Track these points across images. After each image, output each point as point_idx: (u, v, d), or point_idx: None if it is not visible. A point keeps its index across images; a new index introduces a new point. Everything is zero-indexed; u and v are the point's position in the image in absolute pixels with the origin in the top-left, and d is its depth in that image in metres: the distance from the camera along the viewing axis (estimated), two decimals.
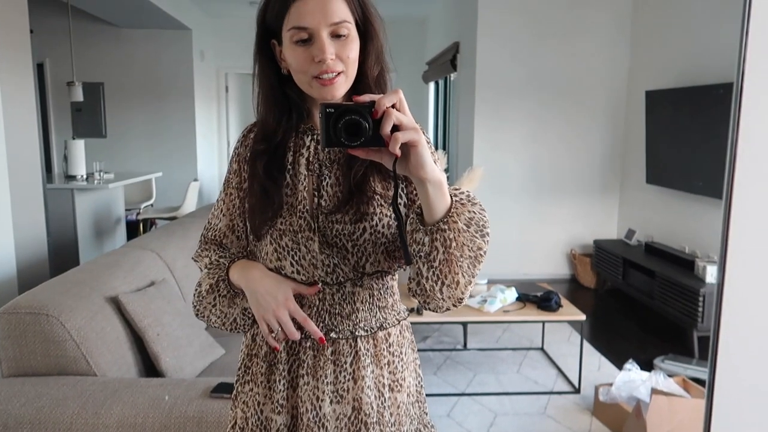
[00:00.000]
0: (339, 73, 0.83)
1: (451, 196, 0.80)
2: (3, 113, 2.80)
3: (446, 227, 0.79)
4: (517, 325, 3.40)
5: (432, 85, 6.47)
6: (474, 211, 0.81)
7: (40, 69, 5.70)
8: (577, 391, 2.61)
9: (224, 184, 0.97)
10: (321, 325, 0.91)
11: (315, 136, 0.90)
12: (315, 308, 0.91)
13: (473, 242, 0.81)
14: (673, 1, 3.81)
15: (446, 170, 3.79)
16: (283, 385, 0.93)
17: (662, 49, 3.94)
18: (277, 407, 0.93)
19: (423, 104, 6.67)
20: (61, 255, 3.84)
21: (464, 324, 3.16)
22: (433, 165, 0.77)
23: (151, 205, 5.54)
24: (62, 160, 4.60)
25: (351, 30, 0.84)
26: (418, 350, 1.05)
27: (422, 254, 0.81)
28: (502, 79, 4.41)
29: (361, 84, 0.88)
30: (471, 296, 2.75)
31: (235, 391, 0.99)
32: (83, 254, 4.09)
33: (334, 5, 0.82)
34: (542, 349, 3.12)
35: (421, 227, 0.81)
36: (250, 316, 0.95)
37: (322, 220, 0.89)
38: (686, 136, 3.47)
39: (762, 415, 1.24)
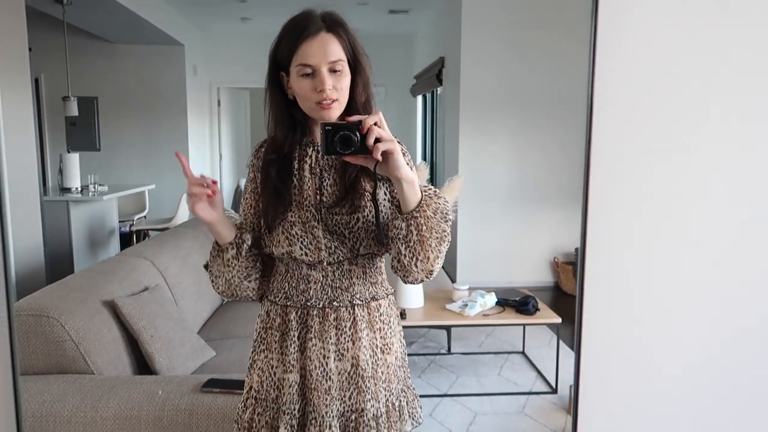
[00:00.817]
0: (335, 100, 1.07)
1: (421, 191, 1.05)
2: (3, 128, 2.91)
3: (418, 215, 1.04)
4: (499, 330, 3.51)
5: (420, 98, 6.63)
6: (439, 203, 1.07)
7: (35, 84, 5.80)
8: (554, 391, 2.73)
9: (243, 191, 1.21)
10: (325, 296, 1.14)
11: (316, 147, 1.15)
12: (320, 283, 1.14)
13: (439, 226, 1.06)
14: None
15: (429, 179, 3.92)
16: (294, 348, 1.14)
17: None
18: (289, 367, 1.14)
19: (411, 117, 6.82)
20: (57, 265, 3.93)
21: (448, 329, 3.27)
22: (406, 167, 1.02)
23: (144, 216, 5.64)
24: (57, 173, 4.70)
25: (344, 66, 1.08)
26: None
27: (400, 236, 1.06)
28: (485, 93, 4.56)
29: (352, 108, 1.12)
30: (453, 301, 2.86)
31: (251, 361, 1.20)
32: (78, 264, 4.18)
33: (332, 47, 1.07)
34: (523, 352, 3.24)
35: (399, 215, 1.06)
36: (272, 299, 1.17)
37: (324, 213, 1.12)
38: None
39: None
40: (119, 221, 5.10)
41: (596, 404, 1.54)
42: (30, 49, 3.16)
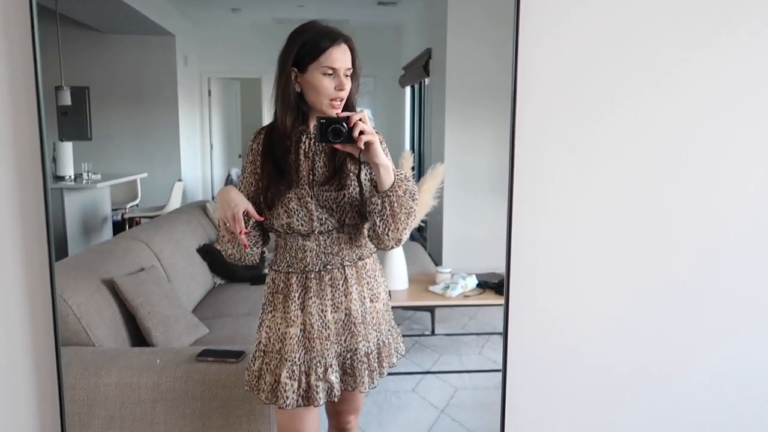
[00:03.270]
0: (343, 99, 1.35)
1: (394, 175, 1.32)
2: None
3: (391, 194, 1.31)
4: (482, 312, 3.65)
5: (408, 89, 6.71)
6: (408, 185, 1.35)
7: None
8: None
9: (242, 172, 1.42)
10: (319, 261, 1.38)
11: (308, 135, 1.38)
12: (314, 251, 1.37)
13: (408, 203, 1.34)
14: None
15: (413, 168, 4.03)
16: (295, 306, 1.39)
17: None
18: (290, 322, 1.36)
19: (400, 107, 6.89)
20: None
21: (432, 311, 3.40)
22: (383, 155, 1.30)
23: (137, 204, 5.71)
24: (51, 161, 4.76)
25: (350, 73, 1.35)
26: None
27: (376, 211, 1.33)
28: (470, 85, 4.66)
29: (348, 102, 1.38)
30: (435, 284, 2.99)
31: (260, 321, 1.43)
32: (72, 251, 4.25)
33: (349, 56, 1.35)
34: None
35: (376, 194, 1.32)
36: (275, 268, 1.42)
37: (316, 190, 1.37)
38: None
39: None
40: (112, 209, 5.17)
41: (523, 384, 1.73)
42: None
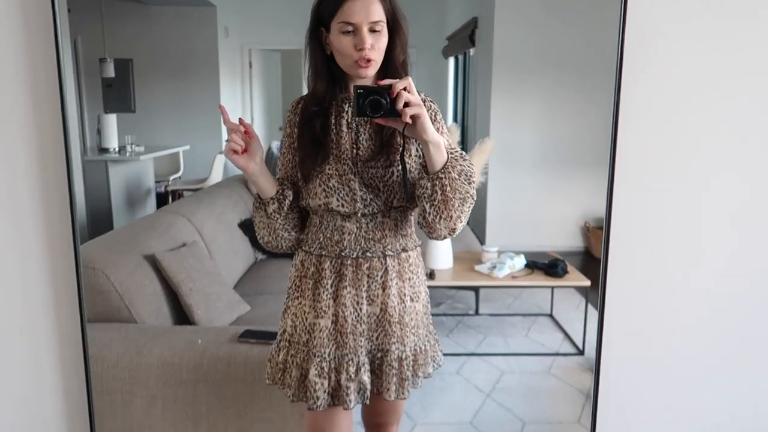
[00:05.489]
0: (372, 60, 1.12)
1: (447, 153, 1.10)
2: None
3: (443, 176, 1.10)
4: (527, 292, 3.53)
5: (452, 60, 6.52)
6: (464, 165, 1.13)
7: (74, 46, 5.90)
8: (581, 353, 2.75)
9: (281, 146, 1.28)
10: (358, 247, 1.21)
11: (351, 103, 1.17)
12: (354, 234, 1.19)
13: (463, 187, 1.12)
14: None
15: (459, 142, 3.91)
16: (327, 296, 1.21)
17: None
18: (320, 313, 1.21)
19: (442, 79, 6.72)
20: (97, 223, 4.07)
21: (476, 290, 3.30)
22: (433, 130, 1.07)
23: (179, 177, 5.76)
24: (96, 133, 4.82)
25: (383, 27, 1.13)
26: (432, 315, 1.36)
27: (426, 195, 1.12)
28: (519, 54, 4.47)
29: (390, 67, 1.17)
30: (481, 263, 2.89)
31: (285, 306, 1.28)
32: (117, 222, 4.31)
33: (375, 7, 1.11)
34: (551, 315, 3.26)
35: (425, 176, 1.12)
36: (306, 249, 1.25)
37: (360, 166, 1.19)
38: None
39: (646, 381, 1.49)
40: (155, 181, 5.21)
41: (618, 365, 1.58)
42: (70, 11, 3.21)
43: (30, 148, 1.36)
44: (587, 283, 2.74)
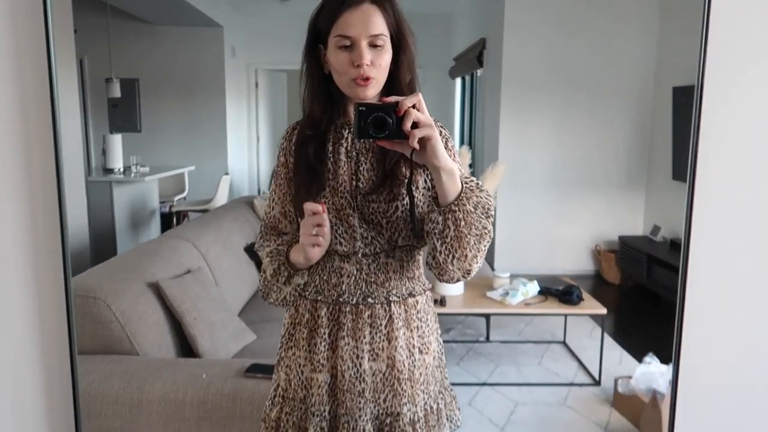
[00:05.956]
0: (371, 78, 0.98)
1: (462, 183, 0.96)
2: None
3: (456, 209, 0.95)
4: (539, 318, 3.45)
5: (458, 80, 6.51)
6: (481, 196, 0.98)
7: (80, 65, 5.91)
8: (597, 383, 2.66)
9: (273, 177, 1.13)
10: (359, 291, 1.04)
11: (351, 129, 1.05)
12: (353, 277, 1.05)
13: (479, 222, 0.97)
14: None
15: (470, 165, 3.85)
16: (324, 347, 1.06)
17: (691, 45, 3.92)
18: (317, 367, 1.06)
19: (449, 100, 6.71)
20: (100, 245, 4.02)
21: (487, 316, 3.22)
22: (446, 155, 0.93)
23: (184, 197, 5.72)
24: (101, 153, 4.79)
25: (386, 42, 0.99)
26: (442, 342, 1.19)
27: (436, 231, 0.97)
28: (528, 76, 4.44)
29: (395, 87, 1.03)
30: (493, 289, 2.81)
31: (278, 357, 1.13)
32: (120, 244, 4.27)
33: (375, 20, 0.98)
34: (564, 342, 3.17)
35: (436, 208, 0.97)
36: (299, 291, 1.09)
37: (360, 200, 1.04)
38: None
39: (724, 411, 1.36)
40: (159, 202, 5.17)
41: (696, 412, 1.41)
42: (75, 31, 3.19)
43: (17, 171, 1.26)
44: (603, 311, 2.65)
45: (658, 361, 2.48)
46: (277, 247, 1.08)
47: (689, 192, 1.36)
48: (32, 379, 1.33)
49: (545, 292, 2.76)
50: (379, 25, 0.98)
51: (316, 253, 1.00)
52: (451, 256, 0.97)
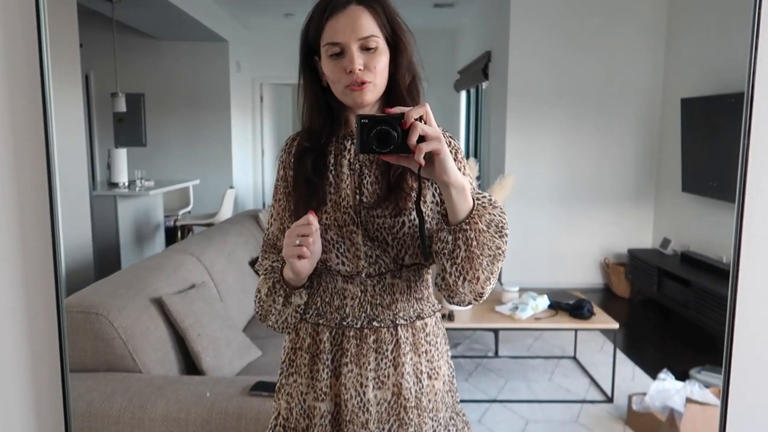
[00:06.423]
0: (367, 82, 0.92)
1: (473, 199, 0.89)
2: (55, 123, 2.95)
3: (468, 227, 0.88)
4: (549, 333, 3.38)
5: (464, 93, 6.50)
6: (494, 214, 0.91)
7: (85, 80, 5.93)
8: (610, 400, 2.59)
9: (274, 192, 1.06)
10: (363, 315, 0.98)
11: (354, 141, 0.98)
12: (357, 299, 0.98)
13: (492, 242, 0.90)
14: (709, 7, 3.77)
15: (478, 178, 3.82)
16: (326, 374, 0.99)
17: (698, 56, 3.90)
18: (320, 395, 0.99)
19: (455, 113, 6.70)
20: (104, 259, 3.99)
21: (495, 331, 3.16)
22: (455, 170, 0.86)
23: (189, 211, 5.70)
24: (106, 168, 4.78)
25: (380, 43, 0.93)
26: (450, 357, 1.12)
27: (446, 251, 0.90)
28: (534, 88, 4.42)
29: (394, 92, 0.97)
30: (502, 303, 2.76)
31: (278, 384, 1.06)
32: (125, 259, 4.24)
33: (363, 21, 0.92)
34: (575, 358, 3.11)
35: (446, 227, 0.90)
36: (300, 313, 1.02)
37: (364, 215, 0.97)
38: (723, 144, 3.42)
39: None
40: (164, 216, 5.16)
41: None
42: (81, 45, 3.20)
43: (7, 182, 1.21)
44: (615, 325, 2.60)
45: (673, 377, 2.42)
46: (272, 264, 1.02)
47: (738, 212, 1.24)
48: (21, 397, 1.28)
49: (555, 306, 2.71)
50: (368, 27, 0.92)
51: (303, 267, 0.93)
52: (462, 278, 0.91)
